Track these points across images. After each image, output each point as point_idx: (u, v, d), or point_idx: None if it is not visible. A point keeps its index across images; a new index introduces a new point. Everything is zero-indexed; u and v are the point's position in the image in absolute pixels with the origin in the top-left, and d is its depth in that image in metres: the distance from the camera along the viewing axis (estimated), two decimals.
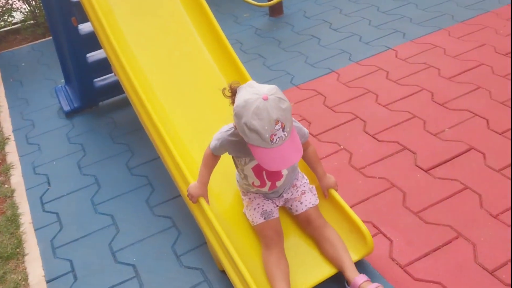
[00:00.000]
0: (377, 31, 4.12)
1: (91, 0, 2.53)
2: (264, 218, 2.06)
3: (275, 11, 4.81)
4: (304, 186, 2.15)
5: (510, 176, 2.40)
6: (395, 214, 2.31)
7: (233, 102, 1.85)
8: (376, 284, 1.84)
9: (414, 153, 2.67)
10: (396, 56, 3.67)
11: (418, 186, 2.44)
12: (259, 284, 1.92)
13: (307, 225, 2.11)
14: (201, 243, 2.36)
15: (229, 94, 1.92)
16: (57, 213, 2.78)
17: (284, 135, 1.73)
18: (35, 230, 2.69)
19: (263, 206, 2.10)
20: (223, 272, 2.15)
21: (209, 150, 2.06)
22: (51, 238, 2.61)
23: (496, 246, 2.07)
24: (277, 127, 1.70)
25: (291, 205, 2.15)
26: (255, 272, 1.97)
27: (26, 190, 3.02)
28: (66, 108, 3.72)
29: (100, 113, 3.70)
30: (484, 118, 2.82)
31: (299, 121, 3.16)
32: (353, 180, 2.57)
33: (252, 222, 2.10)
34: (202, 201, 2.08)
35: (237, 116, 1.76)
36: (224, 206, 2.26)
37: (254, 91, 1.74)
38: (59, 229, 2.66)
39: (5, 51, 5.33)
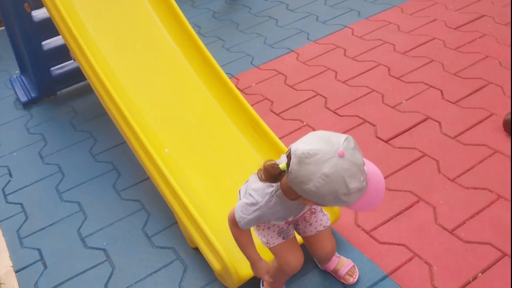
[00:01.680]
0: (333, 10, 4.20)
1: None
2: (283, 238, 1.74)
3: None
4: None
5: (464, 142, 2.52)
6: None
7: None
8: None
9: (374, 125, 2.77)
10: (353, 34, 3.76)
11: (380, 156, 2.54)
12: (233, 258, 1.96)
13: (315, 249, 1.85)
14: (171, 223, 2.38)
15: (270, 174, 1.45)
16: (21, 204, 2.73)
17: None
18: None
19: (278, 225, 1.73)
20: (196, 249, 2.19)
21: (238, 230, 1.62)
22: (17, 229, 2.57)
23: (454, 207, 2.18)
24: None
25: (299, 225, 1.83)
26: (228, 246, 2.01)
27: None
28: (23, 98, 3.62)
29: (59, 102, 3.63)
30: (439, 89, 2.94)
31: (262, 101, 3.22)
32: None
33: (267, 243, 1.75)
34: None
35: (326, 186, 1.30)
36: (191, 181, 2.28)
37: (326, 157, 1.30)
38: (25, 219, 2.62)
39: None
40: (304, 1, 4.48)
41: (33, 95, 3.63)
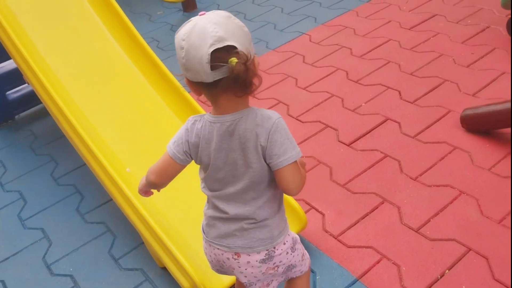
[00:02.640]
0: (290, 18, 4.23)
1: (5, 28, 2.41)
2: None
3: (189, 6, 4.81)
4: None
5: (424, 141, 2.57)
6: (324, 188, 2.41)
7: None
8: None
9: (336, 129, 2.79)
10: (310, 40, 3.79)
11: (343, 160, 2.56)
12: (201, 274, 1.94)
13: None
14: (138, 244, 2.34)
15: None
16: None
17: None
18: None
19: None
20: (165, 269, 2.15)
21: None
22: None
23: (418, 206, 2.22)
24: None
25: None
26: (195, 262, 1.99)
27: None
28: None
29: (17, 126, 3.54)
30: (396, 90, 2.99)
31: None
32: None
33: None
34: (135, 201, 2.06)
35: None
36: (153, 198, 2.24)
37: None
38: None
39: None
40: (261, 10, 4.51)
41: None
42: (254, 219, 1.39)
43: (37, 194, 2.84)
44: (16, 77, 3.30)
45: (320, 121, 2.88)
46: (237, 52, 1.19)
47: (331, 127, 2.82)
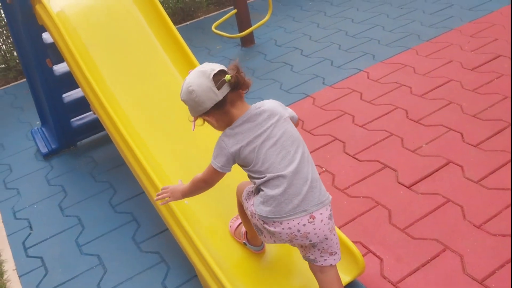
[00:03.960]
0: (347, 55, 4.23)
1: (66, 41, 2.54)
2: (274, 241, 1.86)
3: (247, 41, 4.91)
4: None
5: (489, 186, 2.46)
6: (382, 232, 2.35)
7: None
8: None
9: (395, 170, 2.73)
10: (368, 77, 3.77)
11: (402, 203, 2.49)
12: None
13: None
14: (191, 276, 2.34)
15: None
16: (41, 258, 2.72)
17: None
18: (20, 276, 2.62)
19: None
20: None
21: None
22: (37, 284, 2.54)
23: (482, 256, 2.11)
24: None
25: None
26: None
27: (8, 236, 2.96)
28: (44, 150, 3.68)
29: (79, 153, 3.67)
30: (459, 132, 2.91)
31: None
32: (338, 201, 2.60)
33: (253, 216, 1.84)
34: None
35: None
36: (214, 237, 2.25)
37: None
38: (45, 273, 2.61)
39: None
40: (318, 46, 4.54)
41: (53, 146, 3.68)
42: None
43: (94, 220, 2.91)
44: (81, 105, 3.45)
45: (378, 161, 2.83)
46: (227, 71, 1.72)
47: (390, 167, 2.76)
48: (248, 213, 1.84)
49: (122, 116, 2.50)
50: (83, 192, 3.20)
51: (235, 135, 1.74)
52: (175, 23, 6.10)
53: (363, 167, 2.81)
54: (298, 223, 1.69)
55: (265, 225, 1.74)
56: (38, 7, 2.63)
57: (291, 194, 1.68)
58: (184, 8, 6.15)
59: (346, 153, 2.97)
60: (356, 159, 2.90)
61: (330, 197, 1.78)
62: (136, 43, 2.67)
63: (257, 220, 1.77)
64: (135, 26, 2.71)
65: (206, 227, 2.27)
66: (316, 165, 2.89)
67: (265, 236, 1.80)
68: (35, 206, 3.17)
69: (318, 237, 1.73)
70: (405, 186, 2.60)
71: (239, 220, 2.21)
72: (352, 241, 2.10)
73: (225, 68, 1.74)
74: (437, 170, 2.65)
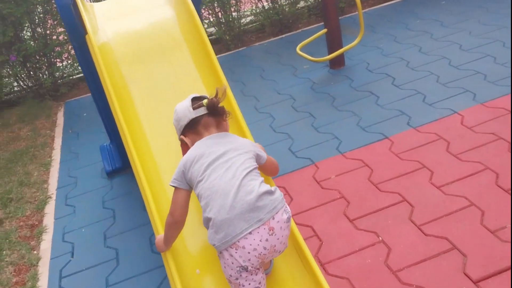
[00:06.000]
0: (444, 90, 3.66)
1: (104, 77, 2.39)
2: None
3: (336, 63, 4.51)
4: None
5: None
6: None
7: None
8: None
9: (464, 255, 2.22)
10: (462, 123, 3.20)
11: None
12: None
13: None
14: None
15: None
16: None
17: None
18: None
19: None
20: None
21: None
22: None
23: None
24: None
25: None
26: None
27: (51, 259, 2.96)
28: (108, 168, 3.67)
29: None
30: None
31: (337, 199, 2.82)
32: (386, 285, 2.18)
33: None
34: None
35: None
36: None
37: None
38: None
39: (73, 99, 5.52)
40: (413, 75, 4.01)
41: (117, 165, 3.65)
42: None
43: (131, 258, 2.78)
44: None
45: (447, 238, 2.34)
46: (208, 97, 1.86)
47: (458, 250, 2.25)
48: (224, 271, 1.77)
49: (145, 161, 2.29)
50: (129, 222, 3.10)
51: (190, 150, 1.84)
52: (270, 35, 5.88)
53: (427, 245, 2.34)
54: (259, 240, 1.67)
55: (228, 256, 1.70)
56: (86, 37, 2.54)
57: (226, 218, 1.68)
58: (282, 20, 5.87)
59: (412, 221, 2.50)
60: (422, 231, 2.42)
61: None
62: (180, 81, 2.45)
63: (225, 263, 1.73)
64: (181, 62, 2.49)
65: None
66: (372, 232, 2.50)
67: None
68: (83, 230, 3.14)
69: (283, 244, 1.77)
70: (471, 279, 2.09)
71: None
72: None
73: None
74: None
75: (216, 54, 5.83)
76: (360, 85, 4.08)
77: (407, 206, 2.62)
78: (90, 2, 2.64)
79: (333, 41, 4.39)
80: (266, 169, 1.99)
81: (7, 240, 3.18)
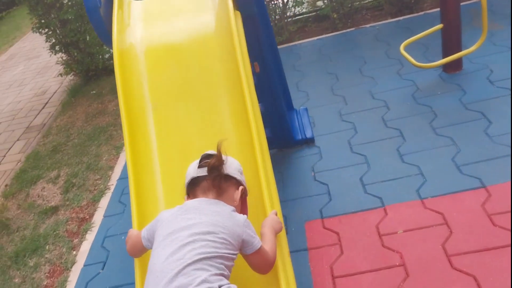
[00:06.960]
0: None
1: (118, 90, 2.08)
2: None
3: (452, 65, 3.67)
4: None
5: None
6: None
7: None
8: None
9: None
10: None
11: None
12: None
13: None
14: None
15: None
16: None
17: None
18: None
19: None
20: None
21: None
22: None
23: None
24: None
25: None
26: None
27: (84, 266, 2.85)
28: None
29: None
30: None
31: (396, 266, 2.26)
32: None
33: None
34: None
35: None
36: None
37: None
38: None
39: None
40: None
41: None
42: None
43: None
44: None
45: None
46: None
47: None
48: None
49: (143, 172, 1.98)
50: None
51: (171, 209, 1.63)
52: (388, 15, 5.08)
53: None
54: None
55: None
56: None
57: None
58: None
59: None
60: None
61: None
62: (206, 127, 2.01)
63: None
64: (213, 102, 2.04)
65: None
66: None
67: None
68: (122, 238, 2.97)
69: None
70: None
71: None
72: None
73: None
74: None
75: (320, 34, 5.30)
76: (473, 101, 3.26)
77: None
78: None
79: (450, 40, 3.57)
80: (252, 263, 1.57)
81: (54, 233, 3.15)
